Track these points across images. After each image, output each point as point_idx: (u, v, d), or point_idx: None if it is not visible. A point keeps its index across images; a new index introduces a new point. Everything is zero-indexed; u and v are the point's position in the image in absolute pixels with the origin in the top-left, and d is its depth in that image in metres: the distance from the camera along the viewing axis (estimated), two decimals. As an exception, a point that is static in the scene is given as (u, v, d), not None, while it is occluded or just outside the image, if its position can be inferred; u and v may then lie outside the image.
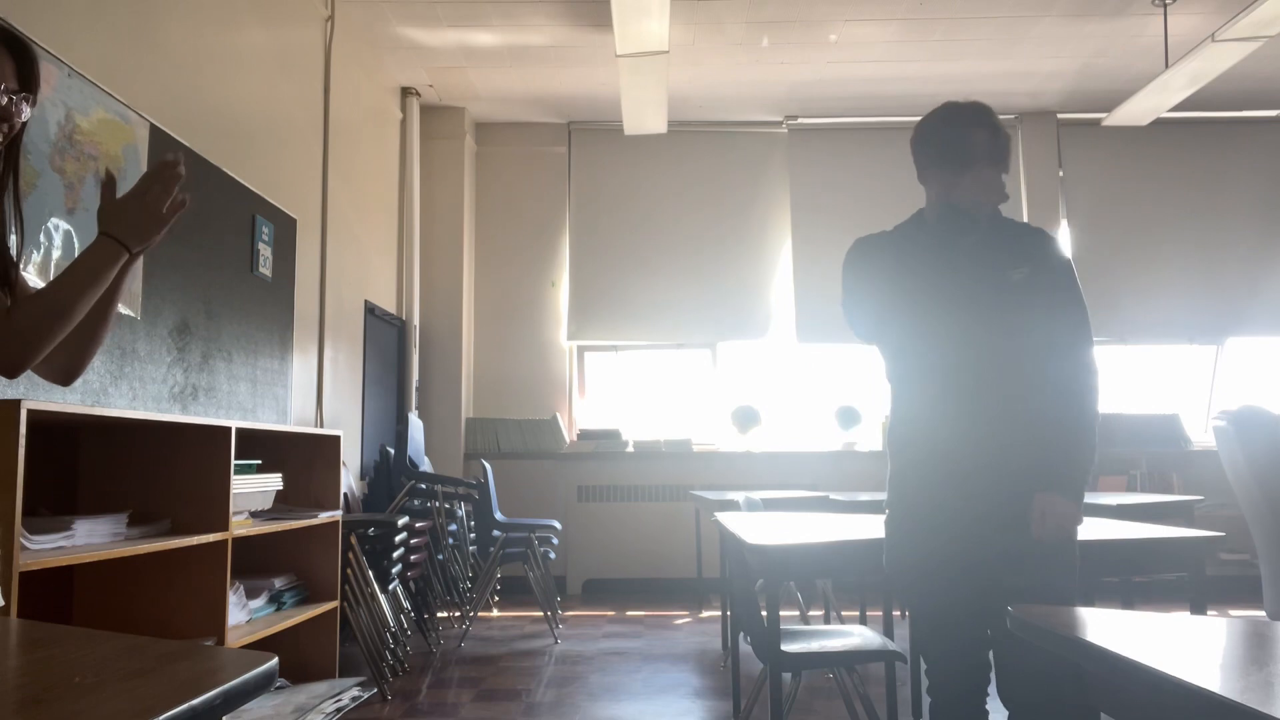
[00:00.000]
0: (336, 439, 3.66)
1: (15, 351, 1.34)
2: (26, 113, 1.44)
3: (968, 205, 2.05)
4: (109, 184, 1.46)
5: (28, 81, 1.43)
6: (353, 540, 3.63)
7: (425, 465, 5.37)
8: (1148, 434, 6.16)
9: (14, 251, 1.49)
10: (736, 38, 5.44)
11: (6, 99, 1.39)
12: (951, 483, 1.99)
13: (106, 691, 0.72)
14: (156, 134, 3.05)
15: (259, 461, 3.24)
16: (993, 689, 2.06)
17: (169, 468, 2.73)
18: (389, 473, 5.01)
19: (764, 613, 2.36)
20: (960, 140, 2.02)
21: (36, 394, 2.42)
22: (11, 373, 1.37)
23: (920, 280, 2.04)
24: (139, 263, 1.55)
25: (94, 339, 1.53)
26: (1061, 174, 6.65)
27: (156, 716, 0.64)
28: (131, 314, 2.90)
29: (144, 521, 2.57)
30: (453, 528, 4.95)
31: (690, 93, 6.26)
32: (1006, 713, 2.03)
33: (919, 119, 2.11)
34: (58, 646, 0.91)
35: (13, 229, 1.50)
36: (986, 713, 2.04)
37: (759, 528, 2.66)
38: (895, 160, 6.67)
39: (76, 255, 1.40)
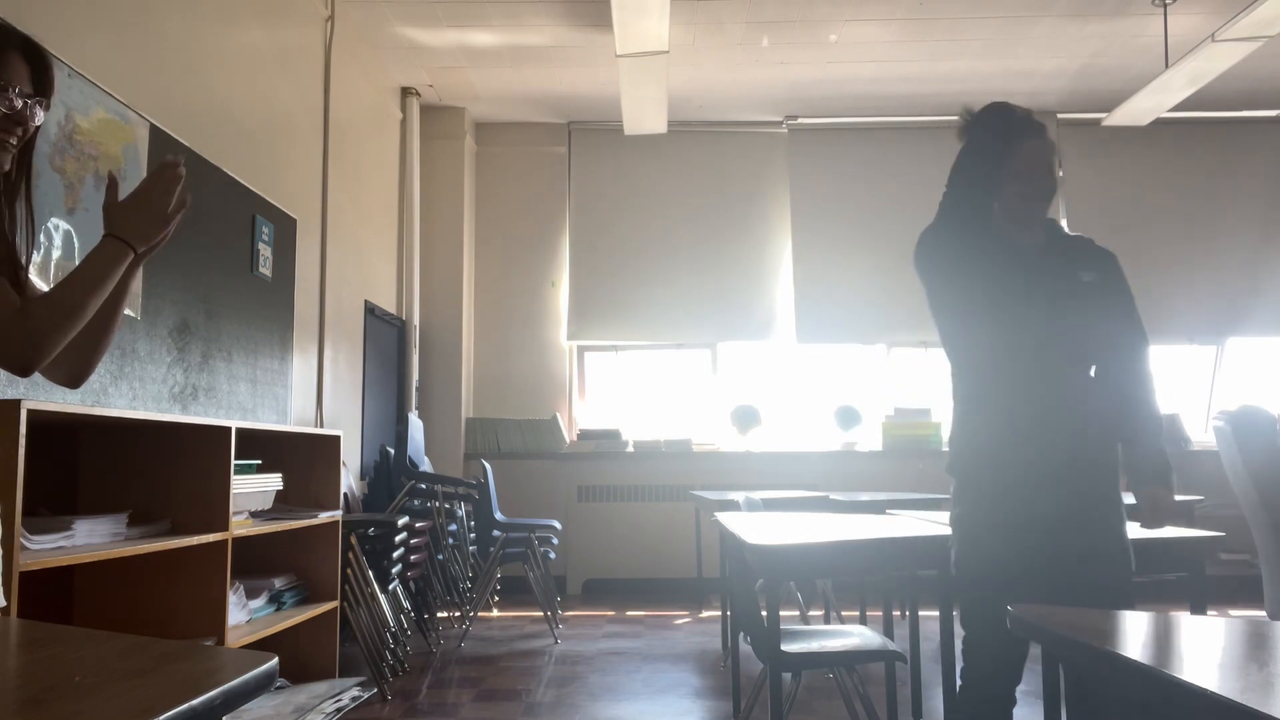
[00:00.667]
0: (336, 439, 3.66)
1: (26, 352, 1.35)
2: (40, 117, 1.45)
3: (1024, 212, 2.07)
4: (112, 185, 1.47)
5: (42, 85, 1.44)
6: (353, 540, 3.63)
7: (425, 465, 5.37)
8: (1148, 434, 6.15)
9: (23, 254, 1.49)
10: (736, 38, 5.44)
11: (21, 103, 1.39)
12: (1038, 480, 2.00)
13: (106, 691, 0.72)
14: (156, 134, 3.05)
15: (259, 461, 3.24)
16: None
17: (169, 468, 2.73)
18: (389, 473, 5.01)
19: (764, 613, 2.36)
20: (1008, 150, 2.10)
21: (37, 394, 2.42)
22: (22, 372, 1.38)
23: (1001, 276, 2.06)
24: (141, 265, 1.56)
25: (101, 342, 1.54)
26: (1061, 174, 6.64)
27: (156, 716, 0.64)
28: (132, 314, 2.90)
29: (144, 521, 2.56)
30: (453, 528, 4.95)
31: (690, 93, 6.26)
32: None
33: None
34: (58, 646, 0.91)
35: (22, 231, 1.51)
36: (1015, 699, 2.06)
37: (759, 528, 2.66)
38: (895, 160, 6.67)
39: (80, 256, 1.41)
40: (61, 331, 1.38)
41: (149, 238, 1.45)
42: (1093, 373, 2.06)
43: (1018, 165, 2.06)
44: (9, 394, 2.33)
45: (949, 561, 2.15)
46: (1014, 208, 2.08)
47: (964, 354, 2.14)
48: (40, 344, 1.36)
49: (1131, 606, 1.96)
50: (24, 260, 1.49)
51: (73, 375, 1.57)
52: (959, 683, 2.13)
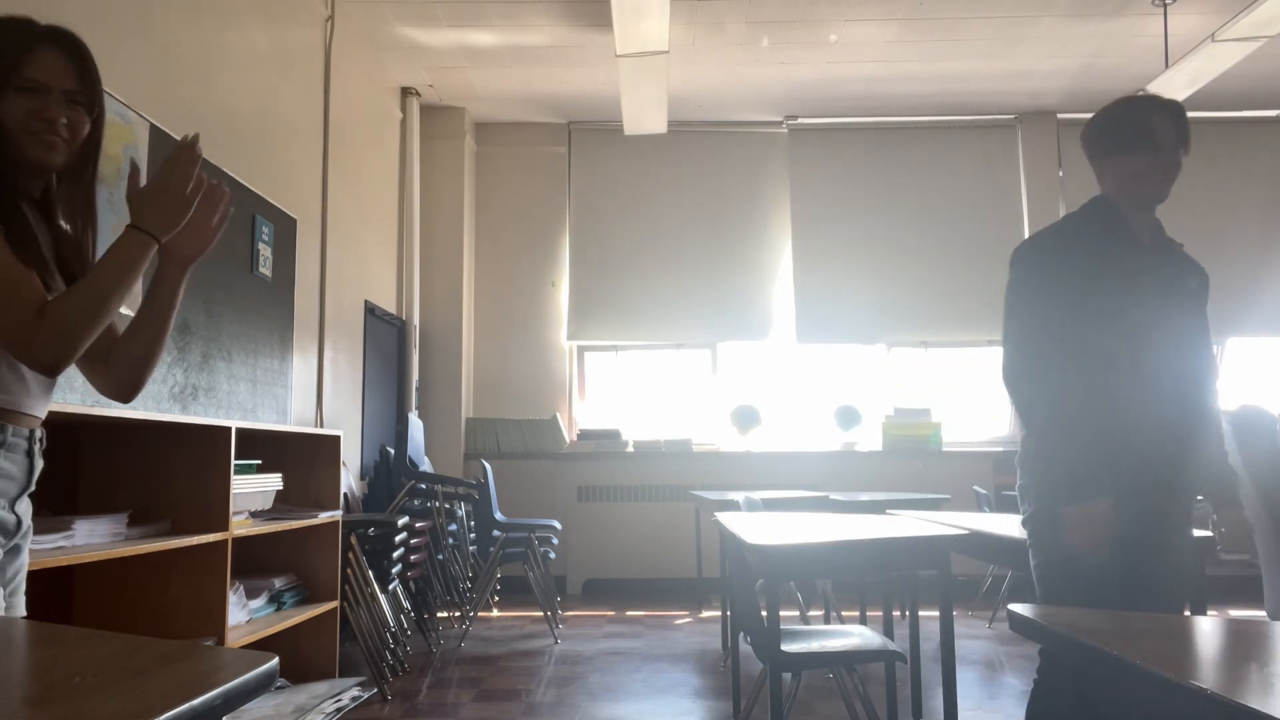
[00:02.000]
0: (336, 439, 3.66)
1: (52, 348, 1.32)
2: (87, 115, 1.44)
3: (1148, 193, 2.01)
4: (134, 174, 1.45)
5: (86, 82, 1.43)
6: (353, 540, 3.63)
7: (425, 465, 5.37)
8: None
9: (91, 251, 1.50)
10: (736, 38, 5.44)
11: (58, 103, 1.39)
12: (1146, 478, 1.95)
13: (106, 691, 0.72)
14: (156, 134, 3.05)
15: (259, 461, 3.24)
16: None
17: (169, 468, 2.73)
18: (389, 473, 5.01)
19: (764, 613, 2.36)
20: (1143, 123, 2.00)
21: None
22: (49, 371, 1.35)
23: (1123, 279, 1.99)
24: (188, 272, 1.54)
25: (151, 355, 1.54)
26: (1061, 174, 6.64)
27: (156, 716, 0.64)
28: (131, 314, 2.90)
29: (144, 521, 2.57)
30: (453, 528, 4.95)
31: (690, 93, 6.26)
32: None
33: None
34: (58, 646, 0.91)
35: (87, 232, 1.51)
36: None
37: (759, 528, 2.66)
38: (895, 160, 6.67)
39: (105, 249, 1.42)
40: (87, 328, 1.35)
41: (170, 224, 1.43)
42: (1200, 379, 2.04)
43: (1146, 141, 1.99)
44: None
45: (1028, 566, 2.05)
46: (1132, 188, 2.01)
47: (1074, 350, 1.99)
48: (66, 340, 1.33)
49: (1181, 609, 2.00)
50: (89, 257, 1.50)
51: (122, 388, 1.55)
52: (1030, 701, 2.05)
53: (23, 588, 1.50)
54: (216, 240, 1.53)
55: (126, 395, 1.57)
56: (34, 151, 1.39)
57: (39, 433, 1.46)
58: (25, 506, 1.46)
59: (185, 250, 1.50)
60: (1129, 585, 1.93)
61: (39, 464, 1.46)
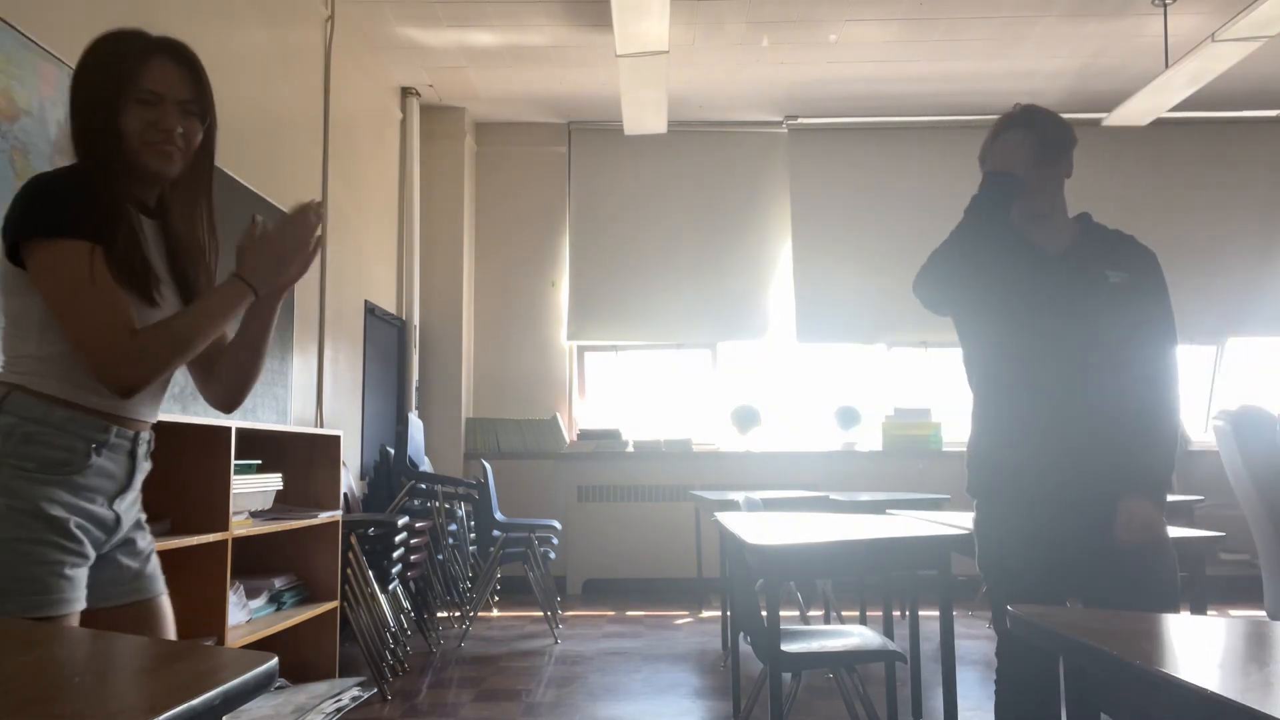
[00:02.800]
0: (336, 439, 3.66)
1: (132, 373, 1.38)
2: (199, 123, 1.51)
3: (1025, 207, 2.07)
4: (252, 226, 1.54)
5: (199, 90, 1.48)
6: (353, 540, 3.63)
7: (425, 465, 5.37)
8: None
9: (211, 268, 1.58)
10: (736, 38, 5.44)
11: (172, 113, 1.45)
12: (1054, 487, 1.98)
13: (106, 691, 0.72)
14: (156, 134, 3.05)
15: (259, 461, 3.24)
16: None
17: (169, 468, 2.72)
18: (389, 473, 5.01)
19: (764, 613, 2.36)
20: (992, 144, 2.09)
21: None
22: (125, 394, 1.40)
23: (1014, 275, 2.05)
24: (281, 299, 1.63)
25: (248, 377, 1.63)
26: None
27: (156, 716, 0.64)
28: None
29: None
30: (453, 528, 4.95)
31: (690, 93, 6.26)
32: None
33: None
34: (58, 646, 0.91)
35: (211, 244, 1.59)
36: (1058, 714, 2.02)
37: (759, 528, 2.66)
38: (895, 160, 6.67)
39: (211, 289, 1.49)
40: (170, 360, 1.41)
41: (271, 280, 1.51)
42: (1114, 376, 2.01)
43: (992, 161, 2.07)
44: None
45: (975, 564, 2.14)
46: (1029, 199, 2.06)
47: (979, 366, 2.12)
48: (147, 368, 1.39)
49: (1175, 606, 1.96)
50: (208, 273, 1.58)
51: (224, 404, 1.65)
52: (995, 694, 2.10)
53: (158, 567, 1.59)
54: (309, 269, 1.60)
55: (227, 409, 1.67)
56: (152, 161, 1.45)
57: (145, 435, 1.54)
58: (126, 504, 1.51)
59: (281, 282, 1.57)
60: (1051, 589, 1.98)
61: (143, 465, 1.55)
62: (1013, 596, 2.00)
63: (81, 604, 1.37)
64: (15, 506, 1.32)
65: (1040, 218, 2.09)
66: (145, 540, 1.57)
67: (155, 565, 1.58)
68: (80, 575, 1.38)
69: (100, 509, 1.43)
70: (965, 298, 2.10)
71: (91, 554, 1.41)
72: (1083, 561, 1.97)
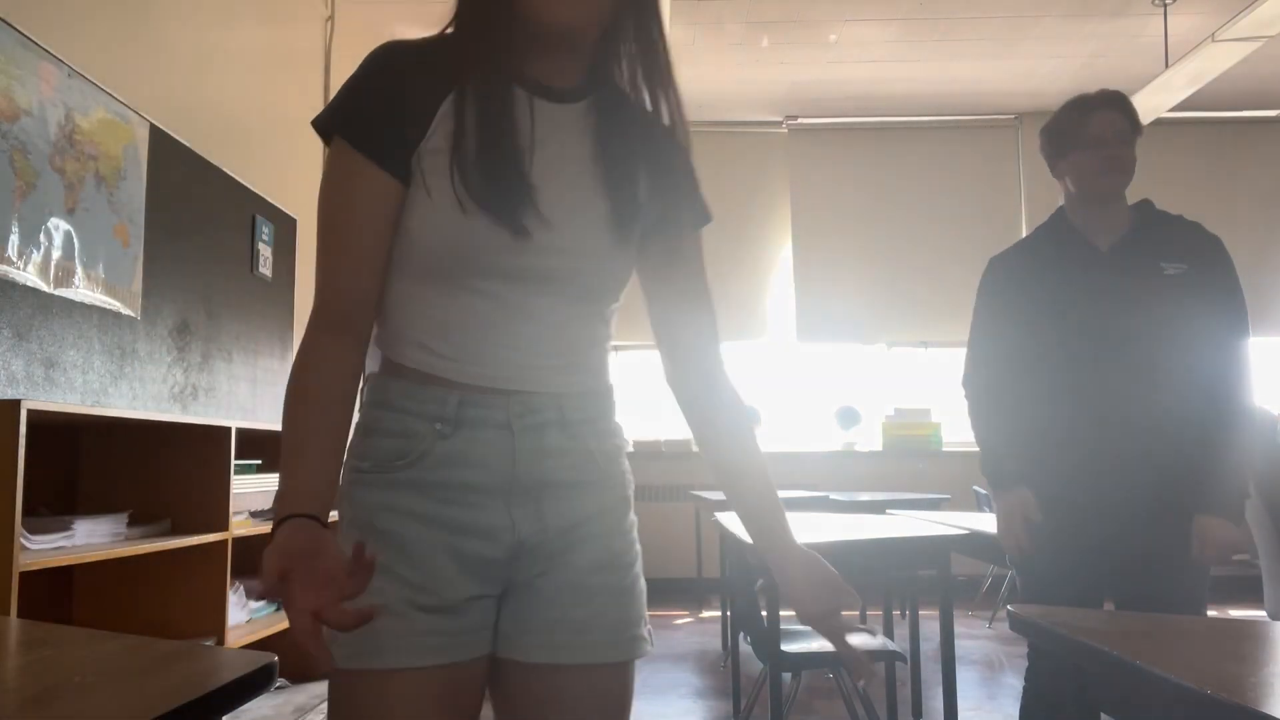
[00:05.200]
0: (336, 439, 3.65)
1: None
2: None
3: (1098, 188, 2.00)
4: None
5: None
6: (353, 540, 3.62)
7: (425, 465, 5.36)
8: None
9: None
10: (736, 37, 5.44)
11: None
12: (1092, 480, 1.90)
13: (106, 691, 0.72)
14: (156, 134, 3.05)
15: (259, 461, 3.24)
16: None
17: (169, 468, 2.73)
18: (389, 473, 5.00)
19: (764, 613, 2.36)
20: (1079, 121, 2.06)
21: (36, 394, 2.42)
22: None
23: (1064, 277, 1.98)
24: None
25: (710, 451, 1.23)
26: (1061, 174, 6.64)
27: (156, 716, 0.64)
28: (132, 314, 2.90)
29: (144, 521, 2.57)
30: (453, 528, 4.94)
31: (690, 93, 6.20)
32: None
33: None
34: (58, 646, 0.91)
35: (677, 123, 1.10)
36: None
37: (759, 528, 2.65)
38: (895, 160, 6.67)
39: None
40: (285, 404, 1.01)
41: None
42: (1176, 371, 1.90)
43: (1084, 137, 2.01)
44: (9, 394, 2.33)
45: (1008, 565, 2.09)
46: (1084, 187, 2.00)
47: (1027, 371, 2.01)
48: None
49: (1200, 609, 1.89)
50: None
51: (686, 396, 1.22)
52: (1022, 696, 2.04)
53: None
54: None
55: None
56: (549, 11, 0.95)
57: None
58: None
59: None
60: (1085, 589, 1.90)
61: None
62: (1046, 599, 1.92)
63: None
64: None
65: (1099, 203, 2.01)
66: None
67: None
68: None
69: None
70: (1015, 319, 2.03)
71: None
72: (1119, 566, 1.90)
